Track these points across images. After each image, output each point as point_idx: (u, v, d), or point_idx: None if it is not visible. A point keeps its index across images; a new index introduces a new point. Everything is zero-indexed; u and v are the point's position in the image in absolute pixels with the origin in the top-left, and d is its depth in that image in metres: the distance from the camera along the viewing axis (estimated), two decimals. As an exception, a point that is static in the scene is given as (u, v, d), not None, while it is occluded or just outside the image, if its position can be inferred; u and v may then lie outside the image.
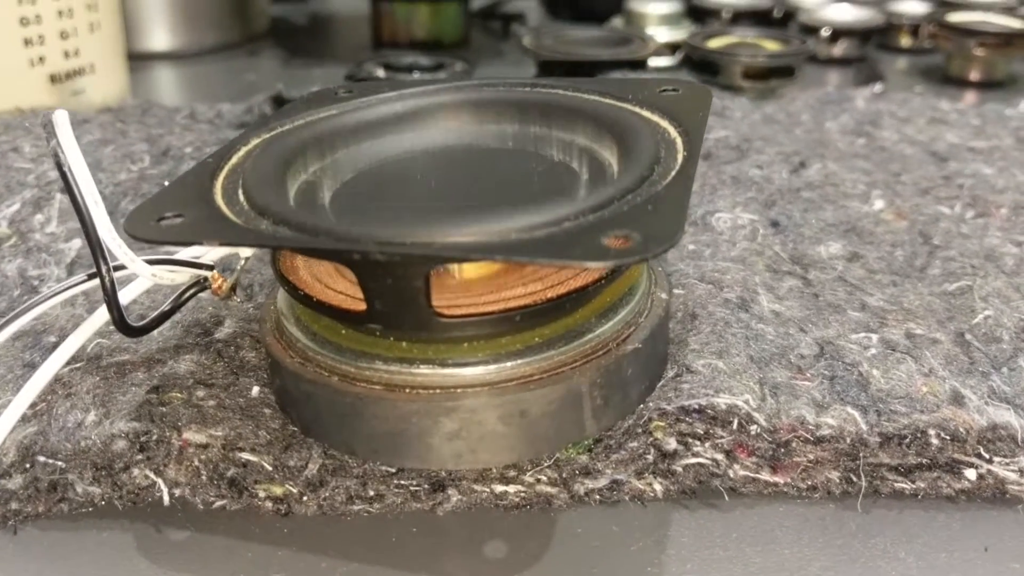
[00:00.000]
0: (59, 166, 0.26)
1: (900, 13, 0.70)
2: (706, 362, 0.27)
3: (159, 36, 0.66)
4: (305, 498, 0.26)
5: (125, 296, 0.28)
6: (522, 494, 0.26)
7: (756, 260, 0.34)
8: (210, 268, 0.28)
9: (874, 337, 0.30)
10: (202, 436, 0.25)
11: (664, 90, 0.30)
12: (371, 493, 0.26)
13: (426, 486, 0.26)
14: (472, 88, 0.31)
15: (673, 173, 0.24)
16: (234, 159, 0.27)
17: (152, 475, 0.25)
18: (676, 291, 0.31)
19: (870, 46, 0.68)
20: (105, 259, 0.26)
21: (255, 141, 0.29)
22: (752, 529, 0.26)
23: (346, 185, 0.28)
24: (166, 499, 0.25)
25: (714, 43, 0.60)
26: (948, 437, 0.26)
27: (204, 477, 0.25)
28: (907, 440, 0.26)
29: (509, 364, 0.24)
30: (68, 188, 0.25)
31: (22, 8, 0.47)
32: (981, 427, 0.26)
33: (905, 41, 0.70)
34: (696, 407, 0.26)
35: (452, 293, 0.25)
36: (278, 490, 0.26)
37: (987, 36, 0.60)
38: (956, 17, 0.64)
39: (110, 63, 0.52)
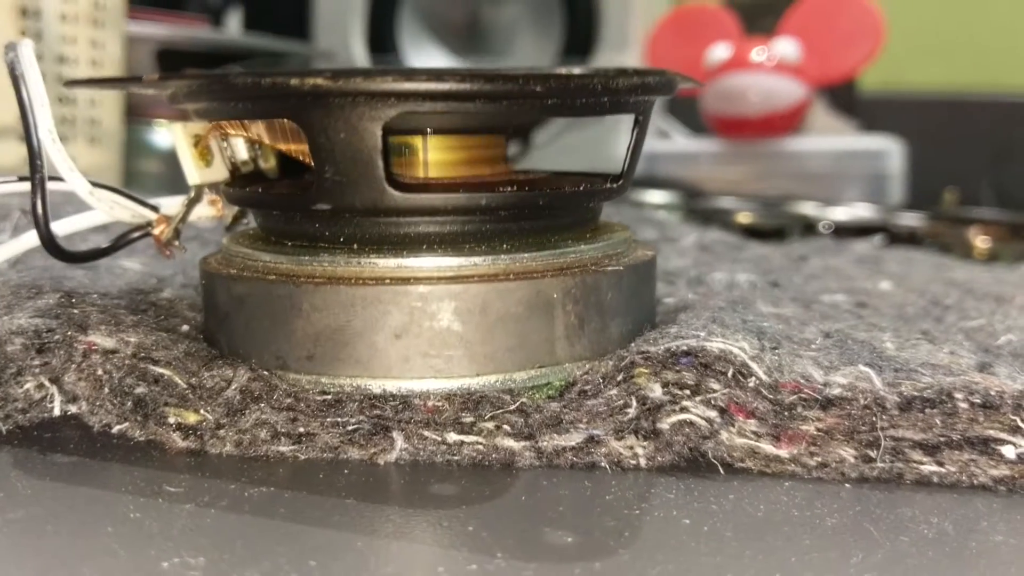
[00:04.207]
0: (12, 72, 0.24)
1: (899, 224, 0.71)
2: (699, 322, 0.24)
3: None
4: (222, 431, 0.22)
5: (64, 227, 0.25)
6: (479, 446, 0.22)
7: (754, 296, 0.31)
8: (155, 209, 0.26)
9: (887, 334, 0.26)
10: (111, 340, 0.22)
11: None
12: (300, 430, 0.22)
13: (367, 426, 0.22)
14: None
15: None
16: None
17: (47, 382, 0.22)
18: (667, 300, 0.29)
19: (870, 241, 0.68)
20: (41, 161, 0.23)
21: None
22: (753, 494, 0.21)
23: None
24: (57, 410, 0.21)
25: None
26: (979, 402, 0.22)
27: (106, 390, 0.22)
28: (931, 404, 0.22)
29: (473, 260, 0.21)
30: (15, 87, 0.24)
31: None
32: (1016, 392, 0.22)
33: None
34: (685, 349, 0.23)
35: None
36: (191, 417, 0.22)
37: (989, 224, 0.60)
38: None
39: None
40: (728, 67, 0.78)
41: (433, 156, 0.23)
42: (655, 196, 0.67)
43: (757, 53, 0.78)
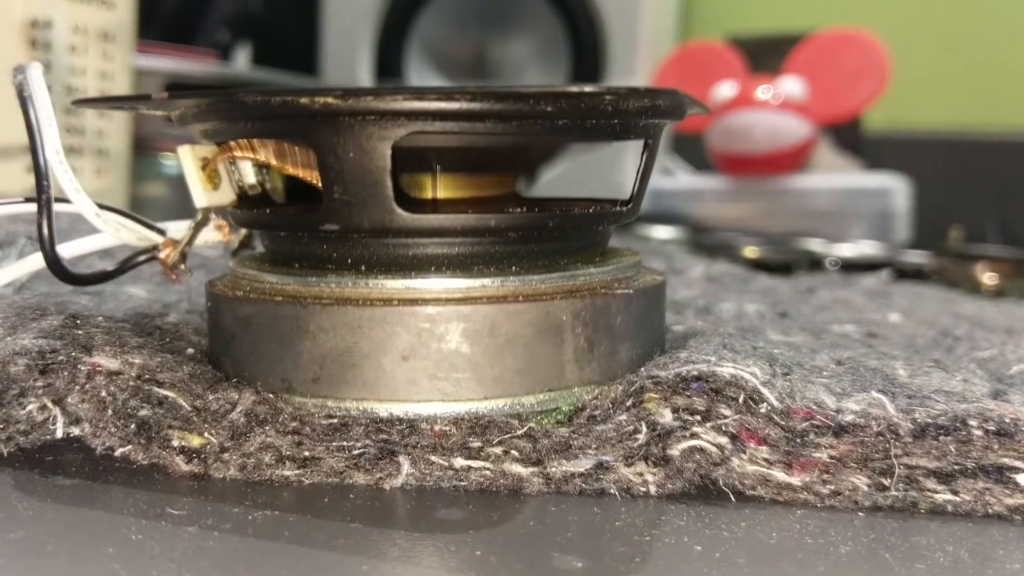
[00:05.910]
0: (20, 93, 0.24)
1: (905, 261, 0.70)
2: (709, 347, 0.24)
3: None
4: (226, 454, 0.21)
5: (70, 249, 0.25)
6: (487, 472, 0.22)
7: (763, 325, 0.31)
8: (161, 233, 0.26)
9: (898, 363, 0.26)
10: (116, 362, 0.22)
11: None
12: (305, 454, 0.22)
13: (373, 450, 0.22)
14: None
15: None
16: None
17: (50, 404, 0.21)
18: (675, 328, 0.28)
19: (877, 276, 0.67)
20: (48, 182, 0.23)
21: None
22: (765, 521, 0.21)
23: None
24: (60, 432, 0.21)
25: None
26: (993, 429, 0.22)
27: (110, 412, 0.21)
28: (945, 431, 0.22)
29: (482, 281, 0.21)
30: (23, 106, 0.24)
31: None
32: (1033, 420, 0.22)
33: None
34: (695, 374, 0.22)
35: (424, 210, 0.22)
36: (195, 440, 0.22)
37: (996, 261, 0.60)
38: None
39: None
40: (733, 105, 0.79)
41: (443, 182, 0.23)
42: (661, 231, 0.67)
43: (762, 91, 0.78)
